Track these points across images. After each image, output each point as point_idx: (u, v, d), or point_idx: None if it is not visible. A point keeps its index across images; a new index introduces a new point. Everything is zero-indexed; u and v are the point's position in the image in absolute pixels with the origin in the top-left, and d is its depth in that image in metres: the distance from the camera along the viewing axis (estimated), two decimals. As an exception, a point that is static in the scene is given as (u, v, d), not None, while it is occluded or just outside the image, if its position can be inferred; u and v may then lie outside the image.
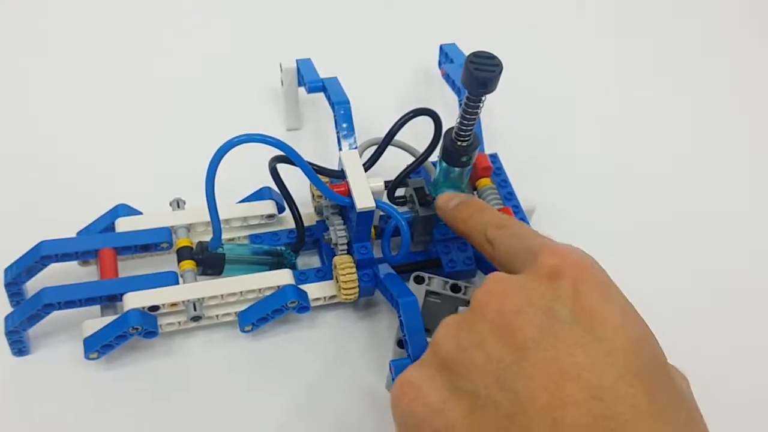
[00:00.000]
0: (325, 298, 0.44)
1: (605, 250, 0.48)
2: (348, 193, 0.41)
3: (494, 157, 0.49)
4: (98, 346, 0.40)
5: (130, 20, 0.64)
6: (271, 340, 0.44)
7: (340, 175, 0.42)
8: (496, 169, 0.49)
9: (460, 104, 0.39)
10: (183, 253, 0.43)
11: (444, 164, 0.42)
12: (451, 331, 0.30)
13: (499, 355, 0.27)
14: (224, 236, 0.46)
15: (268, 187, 0.46)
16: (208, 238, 0.44)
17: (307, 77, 0.49)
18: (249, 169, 0.45)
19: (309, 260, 0.48)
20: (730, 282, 0.49)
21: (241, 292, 0.42)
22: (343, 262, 0.43)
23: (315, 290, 0.44)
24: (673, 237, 0.51)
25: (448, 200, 0.40)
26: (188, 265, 0.43)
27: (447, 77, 0.53)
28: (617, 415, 0.25)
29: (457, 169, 0.43)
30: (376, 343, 0.44)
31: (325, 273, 0.45)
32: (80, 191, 0.50)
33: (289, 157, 0.40)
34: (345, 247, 0.43)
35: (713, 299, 0.48)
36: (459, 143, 0.41)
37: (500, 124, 0.56)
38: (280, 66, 0.51)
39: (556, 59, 0.64)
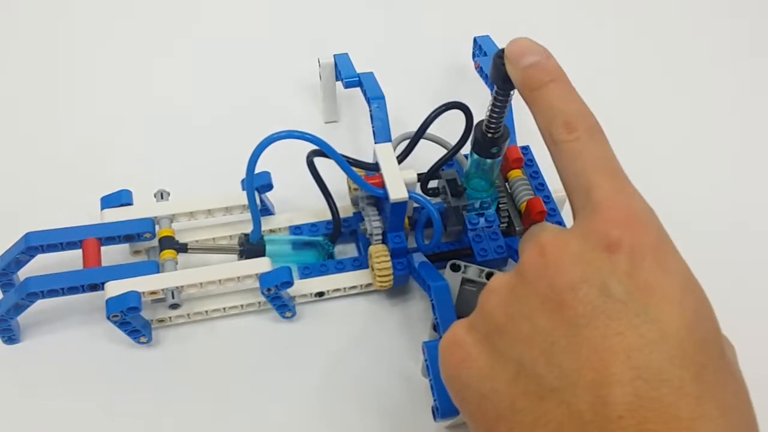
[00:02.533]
0: (361, 286, 0.46)
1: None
2: (382, 185, 0.43)
3: (526, 150, 0.50)
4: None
5: (172, 13, 0.66)
6: (307, 325, 0.46)
7: (374, 167, 0.44)
8: (527, 161, 0.50)
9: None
10: (164, 243, 0.45)
11: (475, 156, 0.44)
12: (501, 298, 0.29)
13: (548, 329, 0.27)
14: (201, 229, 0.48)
15: (268, 173, 0.47)
16: (188, 228, 0.47)
17: (344, 72, 0.51)
18: (287, 162, 0.47)
19: (347, 250, 0.50)
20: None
21: (219, 281, 0.43)
22: (378, 251, 0.44)
23: (351, 278, 0.46)
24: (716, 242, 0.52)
25: (520, 54, 0.33)
26: (169, 254, 0.45)
27: (480, 70, 0.54)
28: (661, 397, 0.25)
29: (488, 160, 0.44)
30: (410, 328, 0.46)
31: (361, 262, 0.47)
32: (123, 177, 0.52)
33: (325, 151, 0.42)
34: (380, 236, 0.45)
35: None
36: (489, 135, 0.42)
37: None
38: (318, 61, 0.53)
39: (592, 53, 0.64)
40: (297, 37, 0.64)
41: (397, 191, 0.42)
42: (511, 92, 0.39)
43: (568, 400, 0.26)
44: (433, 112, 0.44)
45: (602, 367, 0.25)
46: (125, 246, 0.48)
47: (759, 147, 0.58)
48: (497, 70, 0.37)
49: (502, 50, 0.37)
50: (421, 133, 0.45)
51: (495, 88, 0.39)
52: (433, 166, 0.46)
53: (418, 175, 0.45)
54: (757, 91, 0.62)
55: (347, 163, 0.42)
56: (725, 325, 0.28)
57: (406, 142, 0.46)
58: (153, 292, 0.43)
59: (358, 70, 0.51)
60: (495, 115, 0.40)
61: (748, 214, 0.53)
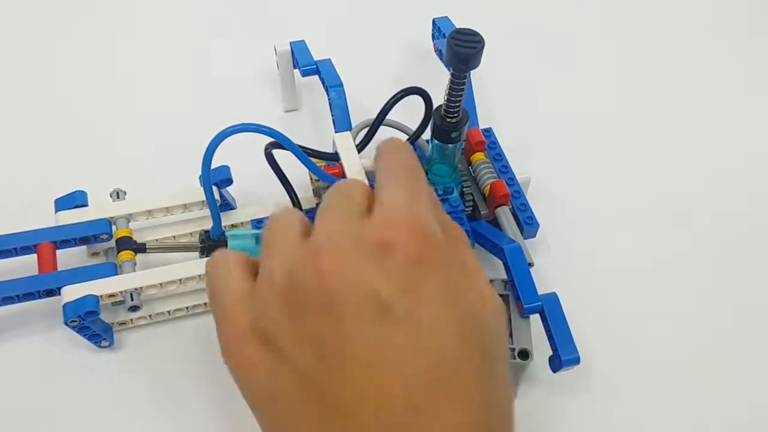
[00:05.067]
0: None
1: (602, 224, 0.48)
2: (342, 175, 0.42)
3: (488, 132, 0.50)
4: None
5: (124, 4, 0.64)
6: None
7: (334, 157, 0.43)
8: (490, 143, 0.49)
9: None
10: (121, 244, 0.44)
11: (436, 141, 0.43)
12: (260, 299, 0.30)
13: (320, 334, 0.28)
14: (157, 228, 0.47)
15: (227, 166, 0.47)
16: (147, 227, 0.46)
17: (301, 60, 0.50)
18: (248, 153, 0.45)
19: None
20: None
21: (180, 280, 0.42)
22: (341, 243, 0.43)
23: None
24: (662, 211, 0.52)
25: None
26: (126, 255, 0.44)
27: (439, 53, 0.53)
28: (425, 402, 0.26)
29: (450, 145, 0.43)
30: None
31: (325, 253, 0.46)
32: (77, 177, 0.50)
33: (282, 143, 0.41)
34: (342, 227, 0.44)
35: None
36: (448, 120, 0.41)
37: (498, 97, 0.57)
38: (275, 49, 0.52)
39: (554, 34, 0.64)
40: (254, 23, 0.63)
41: (357, 181, 0.41)
42: (468, 74, 0.38)
43: (335, 406, 0.27)
44: (391, 98, 0.43)
45: (370, 379, 0.27)
46: (83, 249, 0.47)
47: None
48: (452, 51, 0.37)
49: (456, 32, 0.37)
50: (380, 120, 0.44)
51: (452, 70, 0.38)
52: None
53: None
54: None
55: (305, 155, 0.41)
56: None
57: (367, 129, 0.45)
58: (111, 295, 0.42)
59: (317, 56, 0.50)
60: (453, 98, 0.40)
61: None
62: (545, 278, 0.46)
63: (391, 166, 0.34)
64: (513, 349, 0.39)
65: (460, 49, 0.36)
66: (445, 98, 0.40)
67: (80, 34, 0.62)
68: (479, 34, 0.36)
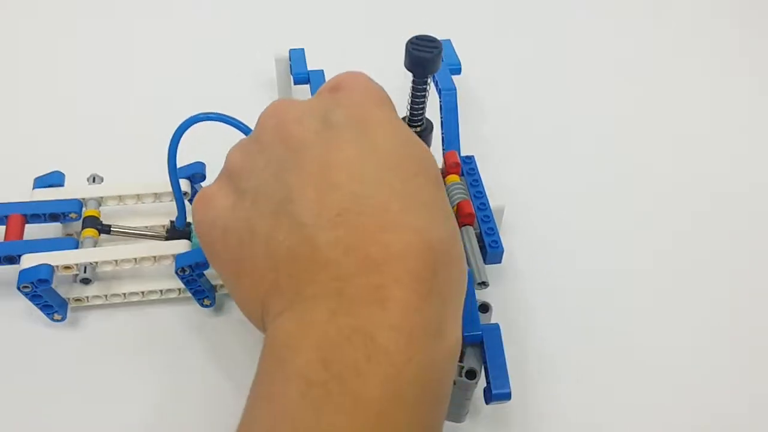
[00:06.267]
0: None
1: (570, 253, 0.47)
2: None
3: (470, 159, 0.49)
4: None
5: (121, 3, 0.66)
6: (228, 317, 0.45)
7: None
8: (469, 170, 0.48)
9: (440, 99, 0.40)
10: (87, 222, 0.45)
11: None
12: (239, 146, 0.34)
13: (279, 157, 0.31)
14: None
15: (202, 163, 0.47)
16: (119, 214, 0.48)
17: (295, 68, 0.51)
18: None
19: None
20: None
21: (135, 259, 0.43)
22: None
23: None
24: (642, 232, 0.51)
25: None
26: (89, 233, 0.45)
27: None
28: (375, 195, 0.28)
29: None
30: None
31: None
32: (62, 161, 0.51)
33: (246, 134, 0.41)
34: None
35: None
36: (413, 129, 0.41)
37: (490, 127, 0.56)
38: (274, 56, 0.53)
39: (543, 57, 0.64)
40: (256, 30, 0.64)
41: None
42: (428, 80, 0.38)
43: (294, 211, 0.29)
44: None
45: (322, 178, 0.29)
46: (57, 228, 0.48)
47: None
48: (410, 56, 0.37)
49: (416, 37, 0.37)
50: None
51: (412, 76, 0.38)
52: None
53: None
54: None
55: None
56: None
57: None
58: (67, 267, 0.42)
59: (317, 65, 0.51)
60: (416, 105, 0.40)
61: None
62: (509, 303, 0.46)
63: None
64: (462, 367, 0.38)
65: (418, 53, 0.36)
66: (408, 107, 0.40)
67: (80, 28, 0.64)
68: (437, 39, 0.36)
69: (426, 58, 0.36)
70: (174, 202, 0.46)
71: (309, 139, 0.30)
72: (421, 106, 0.39)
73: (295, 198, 0.29)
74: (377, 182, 0.29)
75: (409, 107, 0.40)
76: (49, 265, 0.41)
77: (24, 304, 0.42)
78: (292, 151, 0.30)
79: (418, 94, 0.39)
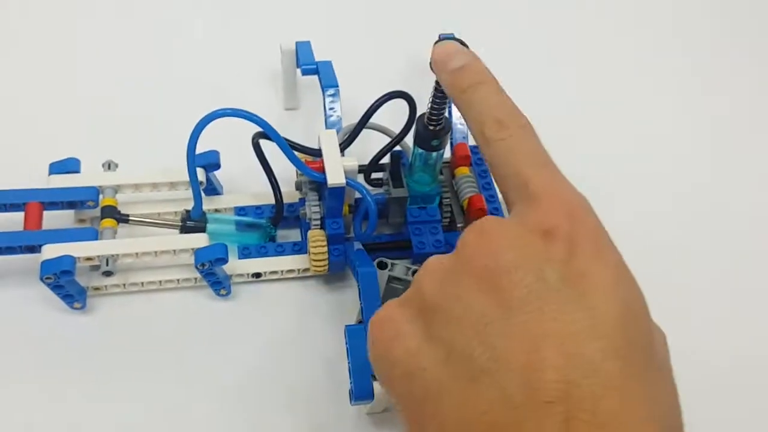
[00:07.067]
0: (299, 270, 0.47)
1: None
2: (322, 170, 0.43)
3: (478, 149, 0.50)
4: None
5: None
6: (241, 305, 0.47)
7: (318, 153, 0.44)
8: (477, 160, 0.50)
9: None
10: (105, 212, 0.46)
11: (418, 149, 0.44)
12: (436, 277, 0.29)
13: (482, 311, 0.27)
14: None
15: (216, 151, 0.48)
16: (134, 201, 0.48)
17: (302, 60, 0.52)
18: (243, 144, 0.45)
19: (292, 235, 0.50)
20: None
21: (155, 252, 0.44)
22: (315, 236, 0.45)
23: (290, 262, 0.47)
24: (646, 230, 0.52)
25: (447, 58, 0.34)
26: (109, 223, 0.45)
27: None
28: (591, 386, 0.24)
29: (433, 153, 0.44)
30: (342, 314, 0.46)
31: (301, 247, 0.47)
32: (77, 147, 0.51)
33: (267, 132, 0.42)
34: (318, 222, 0.45)
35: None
36: (431, 128, 0.42)
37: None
38: (280, 47, 0.53)
39: (553, 51, 0.65)
40: (263, 22, 0.64)
41: (334, 176, 0.42)
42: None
43: (498, 382, 0.25)
44: (377, 100, 0.44)
45: (534, 351, 0.25)
46: (71, 214, 0.48)
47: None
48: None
49: (441, 38, 0.38)
50: (364, 121, 0.45)
51: (435, 79, 0.39)
52: (375, 156, 0.46)
53: (361, 166, 0.45)
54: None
55: (288, 147, 0.42)
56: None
57: (353, 130, 0.46)
58: (88, 258, 0.43)
59: (322, 57, 0.52)
60: (436, 107, 0.41)
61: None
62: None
63: (489, 116, 0.32)
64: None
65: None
66: (428, 107, 0.41)
67: (95, 15, 0.64)
68: (464, 42, 0.37)
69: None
70: (188, 191, 0.47)
71: (521, 298, 0.26)
72: (442, 106, 0.41)
73: (502, 368, 0.25)
74: (594, 370, 0.25)
75: (429, 106, 0.41)
76: (72, 256, 0.42)
77: (42, 290, 0.43)
78: (501, 308, 0.26)
79: (440, 94, 0.40)
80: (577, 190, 0.30)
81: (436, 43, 0.36)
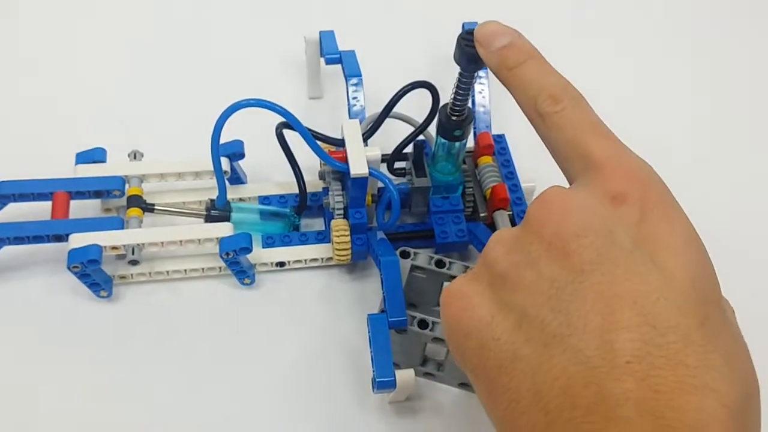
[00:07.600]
0: (322, 259, 0.47)
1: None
2: (345, 160, 0.43)
3: (501, 138, 0.50)
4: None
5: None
6: (265, 294, 0.47)
7: (340, 143, 0.44)
8: (500, 149, 0.50)
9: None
10: (132, 201, 0.46)
11: (441, 139, 0.44)
12: (505, 247, 0.29)
13: (553, 276, 0.27)
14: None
15: (240, 141, 0.48)
16: (160, 191, 0.49)
17: (326, 49, 0.52)
18: (267, 133, 0.46)
19: (315, 224, 0.50)
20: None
21: (180, 241, 0.44)
22: (339, 226, 0.45)
23: (313, 251, 0.47)
24: None
25: (492, 37, 0.34)
26: (135, 212, 0.46)
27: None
28: (669, 344, 0.24)
29: (456, 144, 0.44)
30: (365, 303, 0.46)
31: (324, 236, 0.48)
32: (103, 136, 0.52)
33: (291, 123, 0.42)
34: (341, 211, 0.45)
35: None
36: (453, 118, 0.42)
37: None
38: (304, 37, 0.53)
39: (577, 39, 0.64)
40: (287, 12, 0.64)
41: (357, 166, 0.42)
42: (475, 74, 0.39)
43: (573, 346, 0.25)
44: (400, 90, 0.44)
45: (609, 313, 0.25)
46: (97, 204, 0.49)
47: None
48: (461, 51, 0.38)
49: (467, 32, 0.38)
50: (387, 110, 0.45)
51: (460, 69, 0.39)
52: (398, 146, 0.46)
53: (383, 155, 0.45)
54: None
55: (312, 137, 0.43)
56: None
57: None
58: (115, 247, 0.44)
59: (344, 48, 0.52)
60: (459, 97, 0.41)
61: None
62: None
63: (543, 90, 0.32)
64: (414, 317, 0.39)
65: (469, 50, 0.37)
66: (452, 97, 0.41)
67: (119, 6, 0.64)
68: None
69: (475, 54, 0.37)
70: (212, 180, 0.48)
71: (592, 261, 0.26)
72: (464, 97, 0.40)
73: (576, 332, 0.25)
74: (670, 327, 0.25)
75: (452, 97, 0.41)
76: (99, 245, 0.43)
77: (69, 278, 0.44)
78: (571, 272, 0.26)
79: (463, 86, 0.40)
80: (641, 158, 0.30)
81: (465, 30, 0.36)
